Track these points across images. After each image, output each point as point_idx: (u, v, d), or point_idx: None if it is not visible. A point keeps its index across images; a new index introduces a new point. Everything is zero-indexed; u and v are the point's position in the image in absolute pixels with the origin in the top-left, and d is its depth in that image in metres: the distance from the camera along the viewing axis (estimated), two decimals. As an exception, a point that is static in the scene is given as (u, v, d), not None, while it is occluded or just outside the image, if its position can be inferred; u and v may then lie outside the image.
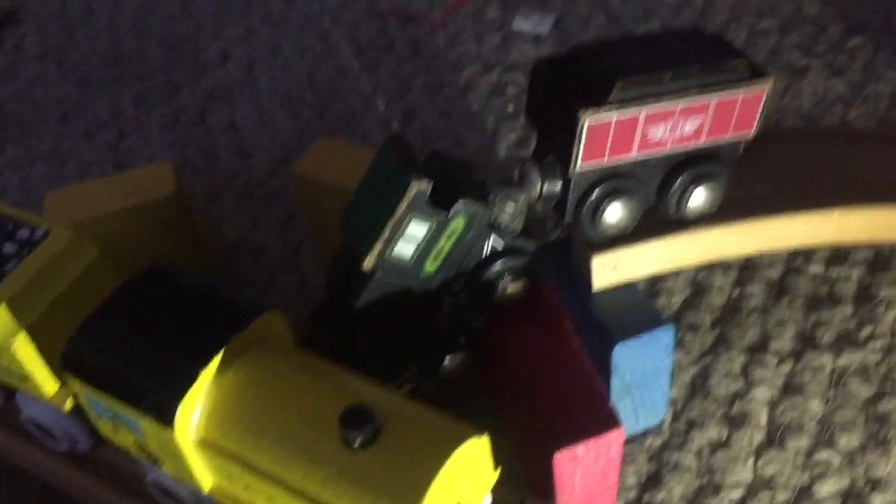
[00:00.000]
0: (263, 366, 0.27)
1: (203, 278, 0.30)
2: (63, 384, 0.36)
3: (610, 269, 0.40)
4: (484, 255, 0.38)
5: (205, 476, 0.28)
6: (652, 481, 0.42)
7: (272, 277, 0.53)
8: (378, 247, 0.36)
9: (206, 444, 0.26)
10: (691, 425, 0.44)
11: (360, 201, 0.38)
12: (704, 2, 0.71)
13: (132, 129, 0.66)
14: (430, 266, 0.38)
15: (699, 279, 0.50)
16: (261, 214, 0.58)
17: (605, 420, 0.36)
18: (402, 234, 0.36)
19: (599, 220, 0.39)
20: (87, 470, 0.40)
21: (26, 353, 0.35)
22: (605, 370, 0.40)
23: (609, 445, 0.36)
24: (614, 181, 0.38)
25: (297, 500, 0.25)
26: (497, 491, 0.32)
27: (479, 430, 0.25)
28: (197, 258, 0.51)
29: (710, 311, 0.49)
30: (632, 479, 0.42)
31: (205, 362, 0.26)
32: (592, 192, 0.38)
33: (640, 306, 0.40)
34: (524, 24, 0.71)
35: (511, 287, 0.39)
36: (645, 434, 0.44)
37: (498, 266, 0.39)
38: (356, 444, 0.24)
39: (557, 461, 0.36)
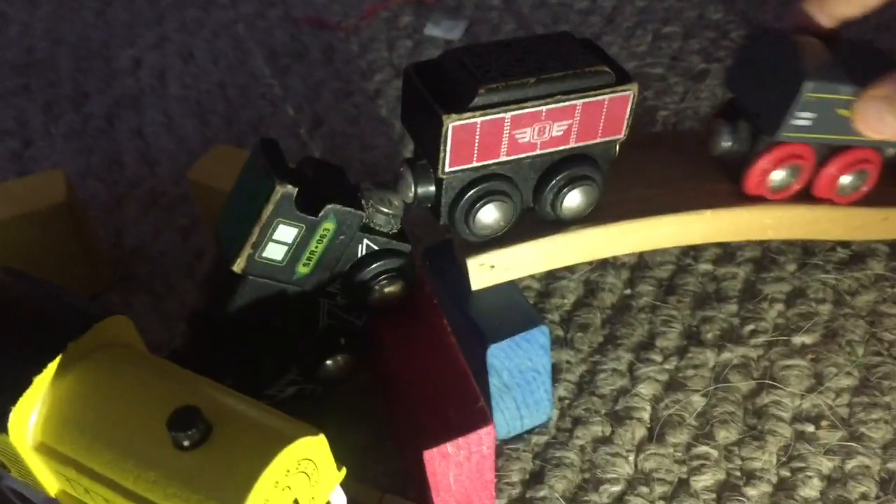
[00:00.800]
0: (103, 370, 0.27)
1: (52, 284, 0.30)
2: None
3: (487, 270, 0.41)
4: (359, 257, 0.39)
5: (48, 481, 0.28)
6: (535, 478, 0.43)
7: (170, 284, 0.53)
8: (247, 250, 0.36)
9: (44, 449, 0.27)
10: (576, 422, 0.45)
11: (230, 206, 0.38)
12: (613, 8, 0.73)
13: (38, 137, 0.65)
14: (303, 268, 0.38)
15: (593, 278, 0.51)
16: (163, 222, 0.57)
17: (475, 417, 0.37)
18: (270, 237, 0.36)
19: (473, 222, 0.39)
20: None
21: None
22: (482, 370, 0.40)
23: (480, 442, 0.37)
24: (487, 183, 0.39)
25: (131, 503, 0.25)
26: (356, 489, 0.32)
27: (312, 430, 0.26)
28: (90, 266, 0.51)
29: (601, 310, 0.50)
30: (516, 477, 0.43)
31: (40, 368, 0.26)
32: (465, 194, 0.39)
33: (517, 307, 0.41)
34: (436, 30, 0.72)
35: (388, 289, 0.40)
36: (531, 432, 0.44)
37: (373, 268, 0.39)
38: (185, 445, 0.25)
39: (428, 459, 0.36)
